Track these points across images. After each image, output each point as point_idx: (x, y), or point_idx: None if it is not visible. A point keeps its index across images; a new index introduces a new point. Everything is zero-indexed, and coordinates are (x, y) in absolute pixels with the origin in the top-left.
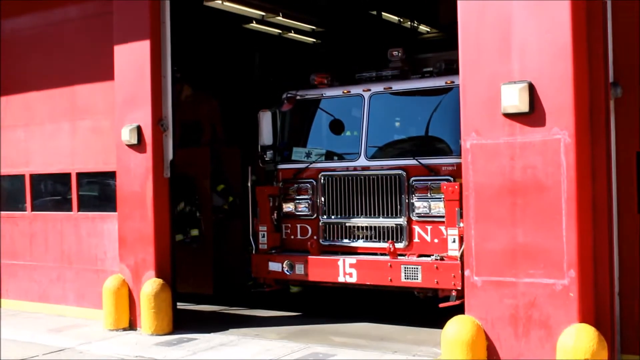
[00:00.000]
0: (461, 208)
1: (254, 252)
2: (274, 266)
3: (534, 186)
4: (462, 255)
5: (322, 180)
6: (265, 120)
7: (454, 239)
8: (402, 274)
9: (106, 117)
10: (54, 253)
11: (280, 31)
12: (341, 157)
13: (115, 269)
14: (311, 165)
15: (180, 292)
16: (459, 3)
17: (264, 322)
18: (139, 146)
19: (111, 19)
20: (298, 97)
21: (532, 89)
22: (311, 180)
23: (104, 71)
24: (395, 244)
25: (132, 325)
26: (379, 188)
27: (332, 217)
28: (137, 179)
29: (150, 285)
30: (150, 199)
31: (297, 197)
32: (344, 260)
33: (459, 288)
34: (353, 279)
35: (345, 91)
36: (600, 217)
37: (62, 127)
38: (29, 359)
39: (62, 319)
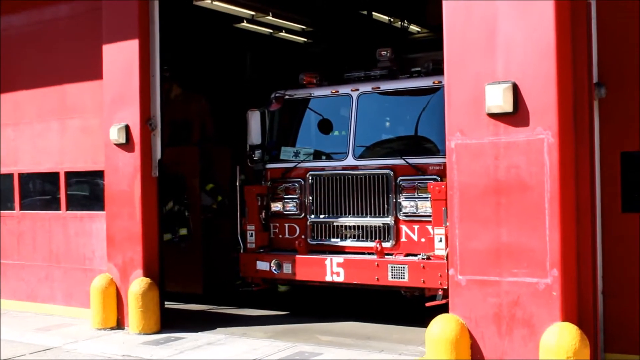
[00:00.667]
0: (447, 207)
1: (242, 251)
2: (262, 265)
3: (518, 186)
4: (448, 255)
5: (310, 180)
6: (254, 119)
7: (441, 238)
8: (389, 273)
9: (95, 116)
10: (42, 252)
11: (271, 31)
12: (329, 157)
13: (103, 268)
14: (299, 165)
15: (170, 292)
16: (444, 3)
17: (252, 321)
18: (127, 145)
19: (100, 18)
20: (286, 97)
21: (516, 89)
22: (299, 179)
23: (93, 70)
24: (383, 244)
25: (119, 325)
26: (367, 188)
27: (320, 216)
28: (125, 178)
29: (138, 284)
30: (139, 198)
31: (286, 196)
32: (331, 260)
33: (446, 287)
34: (340, 278)
35: (333, 91)
36: (584, 217)
37: (51, 126)
38: (16, 358)
39: (50, 318)
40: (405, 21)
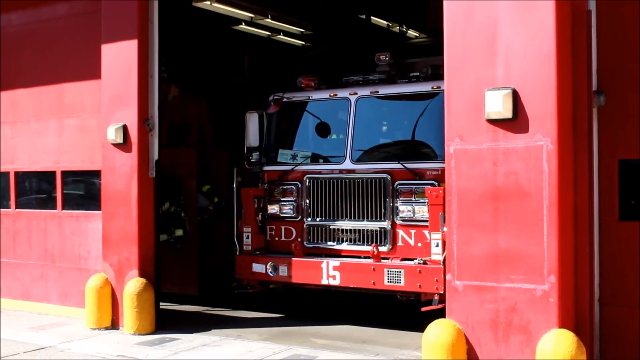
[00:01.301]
0: (445, 212)
1: (238, 253)
2: (258, 267)
3: (516, 192)
4: (445, 260)
5: (307, 183)
6: (252, 121)
7: (438, 243)
8: (385, 277)
9: (93, 115)
10: (38, 251)
11: (269, 33)
12: (327, 160)
13: (98, 268)
14: (296, 168)
15: (166, 293)
16: (445, 8)
17: (247, 323)
18: (125, 145)
19: (100, 18)
20: (285, 99)
21: (515, 95)
22: (296, 182)
23: (92, 70)
24: (379, 247)
25: (114, 325)
26: (364, 191)
27: (317, 219)
28: (122, 178)
29: (133, 285)
30: (135, 198)
31: (282, 199)
32: (327, 263)
33: (442, 292)
34: (336, 282)
35: (332, 94)
36: (582, 224)
37: (49, 125)
38: (9, 357)
39: (44, 317)
40: (404, 26)
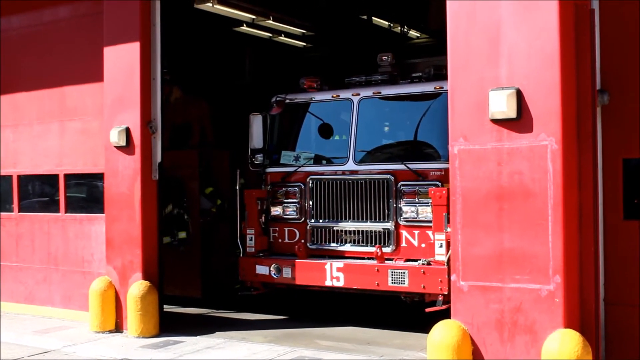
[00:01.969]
0: (448, 213)
1: (241, 255)
2: (262, 269)
3: (521, 192)
4: (449, 260)
5: (310, 184)
6: (256, 123)
7: (441, 243)
8: (389, 279)
9: (95, 118)
10: (41, 254)
11: (270, 34)
12: (330, 161)
13: (102, 271)
14: (299, 169)
15: (169, 295)
16: (448, 8)
17: (251, 325)
18: (128, 148)
19: (101, 20)
20: (287, 101)
21: (519, 95)
22: (299, 183)
23: (94, 72)
24: (383, 249)
25: (118, 328)
26: (367, 192)
27: (320, 221)
28: (125, 180)
29: (137, 288)
30: (138, 201)
31: (285, 200)
32: (331, 264)
33: (446, 293)
34: (340, 283)
35: (334, 95)
36: (586, 224)
37: (51, 128)
38: None
39: (48, 321)
40: (405, 27)
